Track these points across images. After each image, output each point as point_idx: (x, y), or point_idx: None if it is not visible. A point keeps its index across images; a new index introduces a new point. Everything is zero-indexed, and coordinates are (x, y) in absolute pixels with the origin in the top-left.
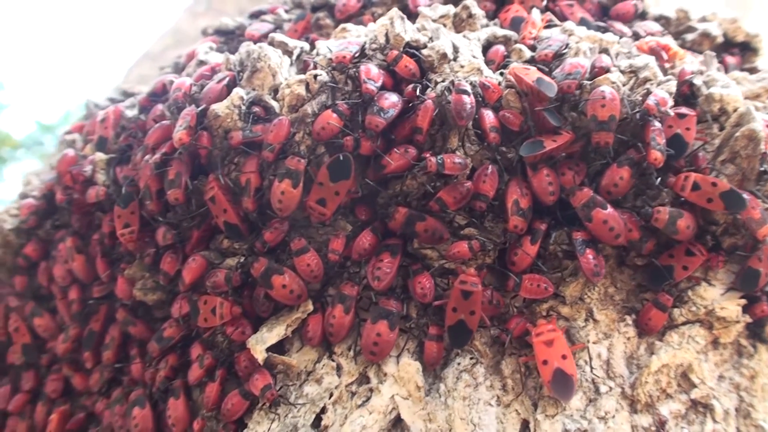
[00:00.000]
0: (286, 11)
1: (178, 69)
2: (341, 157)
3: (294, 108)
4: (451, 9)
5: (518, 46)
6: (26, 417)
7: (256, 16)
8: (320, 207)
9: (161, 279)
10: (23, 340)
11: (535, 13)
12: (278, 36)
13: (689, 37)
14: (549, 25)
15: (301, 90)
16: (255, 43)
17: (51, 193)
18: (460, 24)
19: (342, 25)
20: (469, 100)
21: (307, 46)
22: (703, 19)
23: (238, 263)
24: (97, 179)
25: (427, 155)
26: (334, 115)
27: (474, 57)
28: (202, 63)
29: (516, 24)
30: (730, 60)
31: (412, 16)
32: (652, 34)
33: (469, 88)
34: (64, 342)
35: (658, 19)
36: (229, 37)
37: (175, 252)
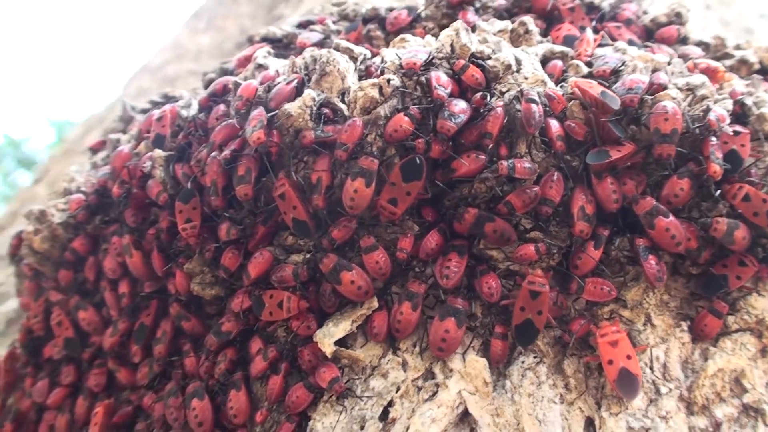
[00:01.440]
0: (334, 22)
1: (226, 73)
2: (414, 159)
3: (366, 110)
4: (508, 24)
5: (575, 61)
6: (66, 411)
7: (304, 26)
8: (391, 206)
9: (221, 274)
10: (66, 333)
11: (589, 32)
12: (343, 42)
13: (727, 62)
14: (601, 44)
15: (375, 93)
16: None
17: (103, 188)
18: (516, 39)
19: (401, 36)
20: (537, 109)
21: (369, 53)
22: (738, 47)
23: (304, 259)
24: (155, 175)
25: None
26: (406, 118)
27: (536, 70)
28: (260, 66)
29: (569, 41)
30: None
31: None
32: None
33: (537, 98)
34: (112, 336)
35: (698, 44)
36: (276, 45)
37: (236, 248)
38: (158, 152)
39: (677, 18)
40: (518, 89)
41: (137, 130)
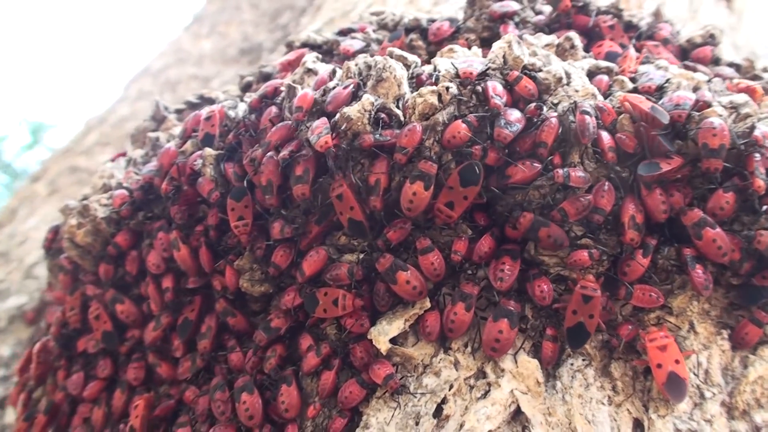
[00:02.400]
0: (373, 31)
1: (265, 76)
2: (472, 164)
3: (425, 116)
4: (554, 39)
5: (620, 77)
6: (102, 404)
7: (345, 33)
8: (448, 210)
9: (271, 271)
10: (104, 327)
11: (632, 50)
12: (396, 50)
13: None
14: (643, 62)
15: (434, 100)
16: (350, 57)
17: (149, 184)
18: (562, 53)
19: (449, 46)
20: (591, 121)
21: (419, 61)
22: (765, 69)
23: (358, 258)
24: (205, 173)
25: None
26: (464, 125)
27: (585, 83)
28: (309, 71)
29: (611, 58)
30: None
31: None
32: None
33: (591, 110)
34: (155, 330)
35: (729, 65)
36: (317, 51)
37: (288, 246)
38: (209, 151)
39: (711, 39)
40: (571, 101)
41: (182, 129)
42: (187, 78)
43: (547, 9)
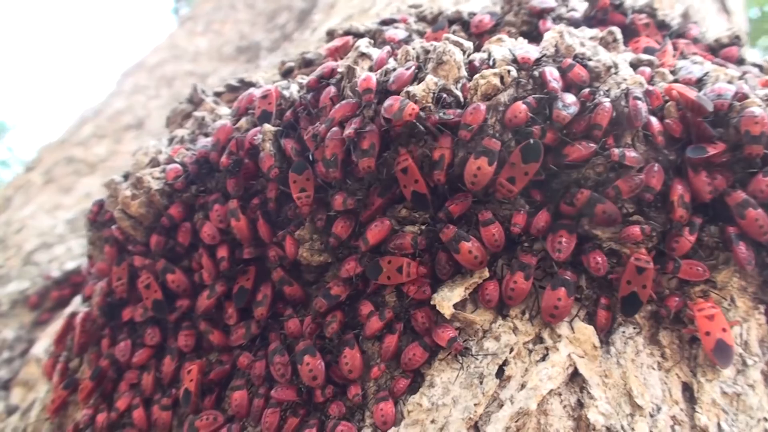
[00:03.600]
0: (414, 22)
1: (307, 62)
2: (534, 142)
3: (487, 96)
4: (598, 32)
5: (661, 69)
6: (151, 370)
7: (387, 23)
8: (509, 184)
9: (331, 242)
10: (155, 296)
11: (670, 45)
12: (452, 36)
13: None
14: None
15: (497, 81)
16: (395, 45)
17: (204, 159)
18: (605, 46)
19: (498, 36)
20: (643, 106)
21: (472, 47)
22: None
23: (420, 229)
24: (264, 147)
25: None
26: (524, 106)
27: (632, 72)
28: (363, 55)
29: (648, 52)
30: None
31: (539, 38)
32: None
33: (642, 96)
34: (208, 298)
35: (753, 65)
36: (358, 39)
37: (348, 218)
38: (268, 127)
39: (737, 40)
40: (620, 88)
41: (235, 108)
42: (183, 74)
43: (581, 7)
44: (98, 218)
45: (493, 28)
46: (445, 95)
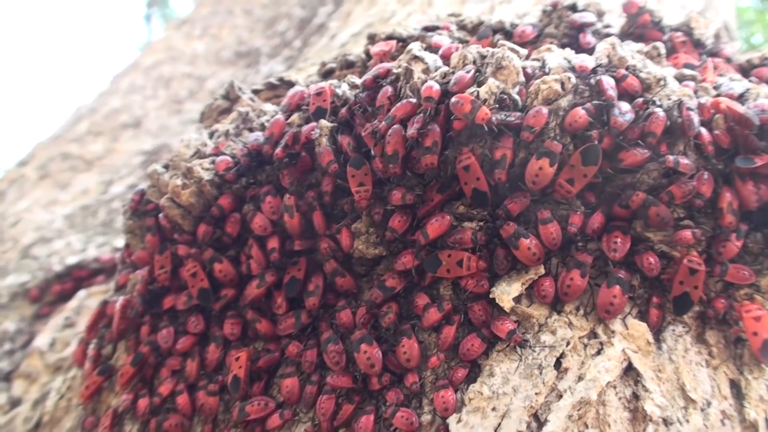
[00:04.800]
0: (456, 30)
1: (349, 63)
2: (594, 146)
3: (548, 101)
4: (642, 47)
5: (704, 84)
6: (195, 357)
7: (430, 29)
8: (568, 185)
9: (388, 235)
10: (201, 284)
11: (710, 62)
12: (508, 43)
13: None
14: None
15: (558, 87)
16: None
17: (256, 152)
18: (650, 60)
19: (547, 46)
20: (696, 117)
21: (525, 54)
22: None
23: (479, 225)
24: (320, 142)
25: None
26: (582, 112)
27: (679, 85)
28: (416, 58)
29: (688, 68)
30: None
31: (579, 50)
32: None
33: (695, 107)
34: (258, 287)
35: None
36: (401, 44)
37: (406, 212)
38: (324, 122)
39: (767, 61)
40: (671, 99)
41: (285, 104)
42: (180, 76)
43: (615, 23)
44: (140, 207)
45: (534, 39)
46: (505, 97)
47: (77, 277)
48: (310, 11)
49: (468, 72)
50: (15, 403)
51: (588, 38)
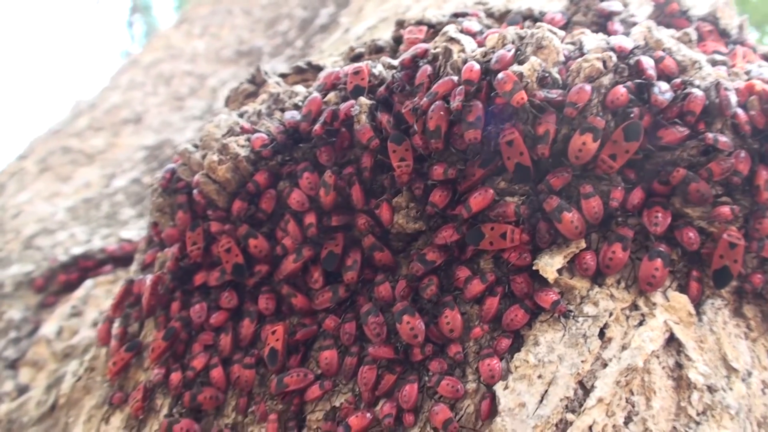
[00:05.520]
0: (485, 17)
1: (378, 48)
2: (636, 123)
3: (590, 79)
4: (674, 32)
5: (735, 69)
6: (229, 332)
7: (459, 15)
8: (611, 161)
9: (428, 210)
10: (236, 260)
11: (740, 49)
12: (546, 25)
13: None
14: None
15: (600, 65)
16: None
17: (293, 129)
18: None
19: (580, 30)
20: (733, 96)
21: (562, 35)
22: None
23: (520, 200)
24: (360, 119)
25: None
26: (623, 90)
27: (713, 68)
28: (452, 39)
29: (718, 54)
30: None
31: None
32: None
33: (732, 88)
34: (295, 261)
35: None
36: (432, 30)
37: (446, 187)
38: (364, 100)
39: None
40: (707, 81)
41: (320, 84)
42: (181, 73)
43: (639, 13)
44: (170, 185)
45: (563, 26)
46: (547, 75)
47: (83, 267)
48: (312, 12)
49: (509, 51)
50: (22, 390)
51: (615, 26)
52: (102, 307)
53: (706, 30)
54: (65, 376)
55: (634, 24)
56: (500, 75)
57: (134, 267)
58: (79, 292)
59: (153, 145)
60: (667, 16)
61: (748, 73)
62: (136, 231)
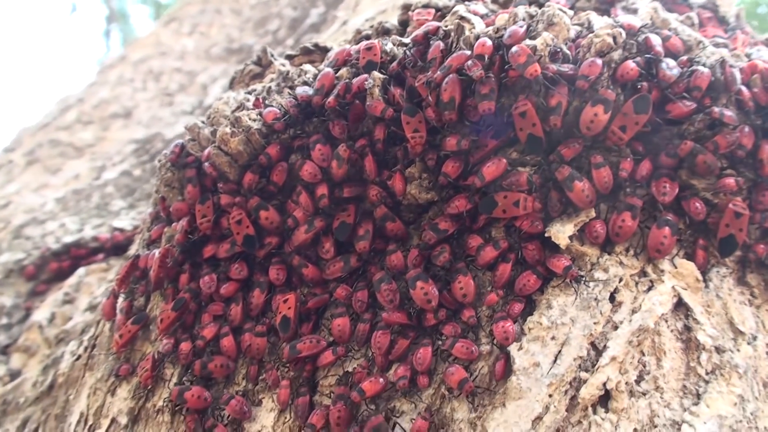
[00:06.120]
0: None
1: (385, 30)
2: (645, 96)
3: (601, 53)
4: (676, 16)
5: (736, 51)
6: (240, 302)
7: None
8: (620, 132)
9: (441, 180)
10: (246, 231)
11: (740, 34)
12: (554, 3)
13: None
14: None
15: (610, 40)
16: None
17: (306, 103)
18: None
19: (587, 12)
20: (738, 73)
21: (571, 14)
22: None
23: (532, 170)
24: (373, 92)
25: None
26: (633, 64)
27: (716, 48)
28: (463, 18)
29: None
30: None
31: None
32: None
33: (737, 65)
34: (306, 232)
35: None
36: (439, 13)
37: (459, 158)
38: (377, 74)
39: None
40: (719, 57)
41: (332, 60)
42: (170, 70)
43: (639, 2)
44: (179, 159)
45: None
46: (558, 50)
47: (75, 256)
48: (302, 12)
49: (521, 27)
50: (14, 375)
51: (618, 12)
52: (95, 294)
53: (706, 17)
54: (63, 356)
55: (636, 11)
56: (514, 48)
57: (134, 246)
58: (72, 280)
59: (143, 138)
60: (668, 2)
61: (748, 55)
62: (128, 221)
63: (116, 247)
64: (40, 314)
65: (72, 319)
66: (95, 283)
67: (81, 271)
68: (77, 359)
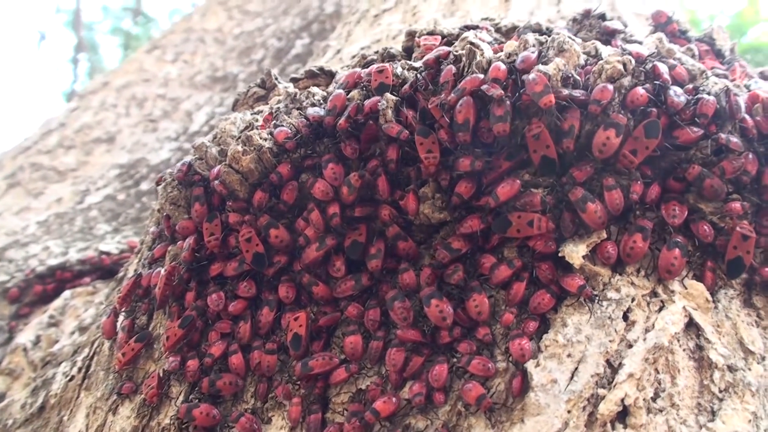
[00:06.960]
0: (495, 32)
1: (390, 55)
2: (656, 121)
3: (611, 79)
4: (679, 47)
5: (736, 82)
6: (248, 320)
7: (470, 28)
8: (631, 156)
9: (454, 200)
10: (256, 249)
11: (738, 66)
12: (563, 31)
13: None
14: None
15: (621, 67)
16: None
17: (317, 123)
18: None
19: (592, 41)
20: (743, 102)
21: (580, 42)
22: None
23: (545, 192)
24: (386, 114)
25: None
26: (642, 91)
27: (719, 78)
28: (473, 44)
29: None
30: None
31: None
32: None
33: (741, 94)
34: (318, 250)
35: None
36: (444, 40)
37: (472, 179)
38: (389, 96)
39: None
40: (723, 86)
41: (342, 83)
42: (154, 96)
43: (637, 34)
44: (186, 178)
45: None
46: (570, 75)
47: (61, 278)
48: (287, 42)
49: (533, 53)
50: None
51: (618, 43)
52: (82, 317)
53: (704, 49)
54: (55, 378)
55: (634, 43)
56: (532, 75)
57: (131, 267)
58: (57, 302)
59: (127, 163)
60: (668, 35)
61: (747, 86)
62: (114, 245)
63: (104, 270)
64: (25, 337)
65: (59, 342)
66: (81, 306)
67: (67, 293)
68: (70, 380)
